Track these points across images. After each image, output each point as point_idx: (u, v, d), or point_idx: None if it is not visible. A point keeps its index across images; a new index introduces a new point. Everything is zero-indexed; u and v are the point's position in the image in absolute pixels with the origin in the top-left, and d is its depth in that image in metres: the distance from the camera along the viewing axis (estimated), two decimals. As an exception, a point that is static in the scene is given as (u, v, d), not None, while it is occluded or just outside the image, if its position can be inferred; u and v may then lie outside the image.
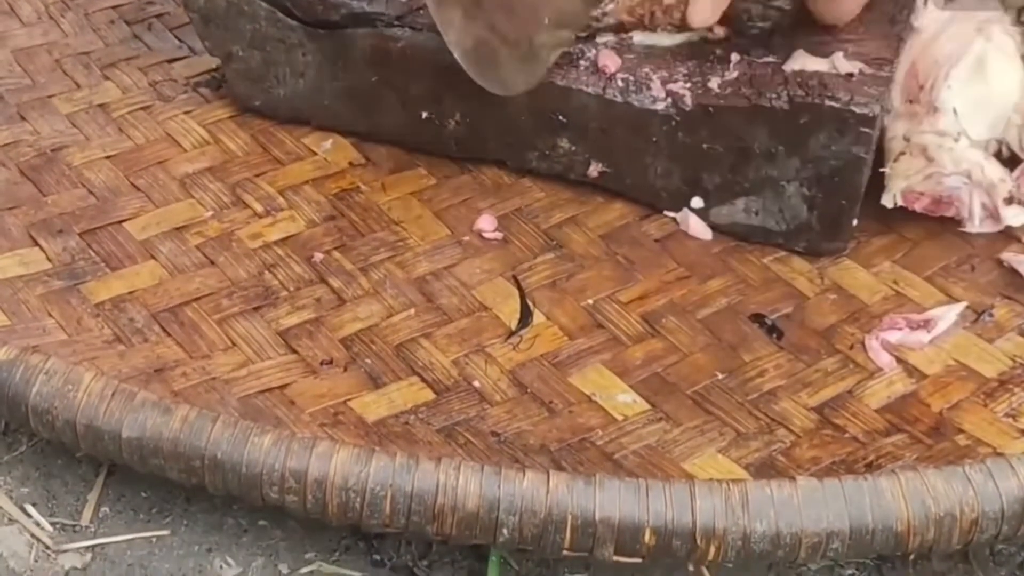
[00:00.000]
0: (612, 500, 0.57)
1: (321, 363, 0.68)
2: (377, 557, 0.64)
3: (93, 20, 0.90)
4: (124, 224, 0.75)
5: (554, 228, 0.76)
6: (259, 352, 0.68)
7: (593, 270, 0.74)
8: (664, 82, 0.73)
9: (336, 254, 0.74)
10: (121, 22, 0.90)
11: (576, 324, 0.70)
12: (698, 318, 0.71)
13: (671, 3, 0.72)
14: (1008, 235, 0.75)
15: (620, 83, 0.73)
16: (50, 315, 0.69)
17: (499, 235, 0.75)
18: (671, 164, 0.74)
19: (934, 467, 0.59)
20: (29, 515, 0.66)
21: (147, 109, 0.83)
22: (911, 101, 0.73)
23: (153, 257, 0.73)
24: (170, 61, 0.87)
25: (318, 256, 0.74)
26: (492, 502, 0.58)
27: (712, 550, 0.57)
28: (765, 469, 0.63)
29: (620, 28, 0.74)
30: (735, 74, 0.72)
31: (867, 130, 0.69)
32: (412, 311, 0.71)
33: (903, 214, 0.74)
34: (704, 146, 0.73)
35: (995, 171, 0.73)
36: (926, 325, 0.70)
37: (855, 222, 0.73)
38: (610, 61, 0.73)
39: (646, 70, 0.73)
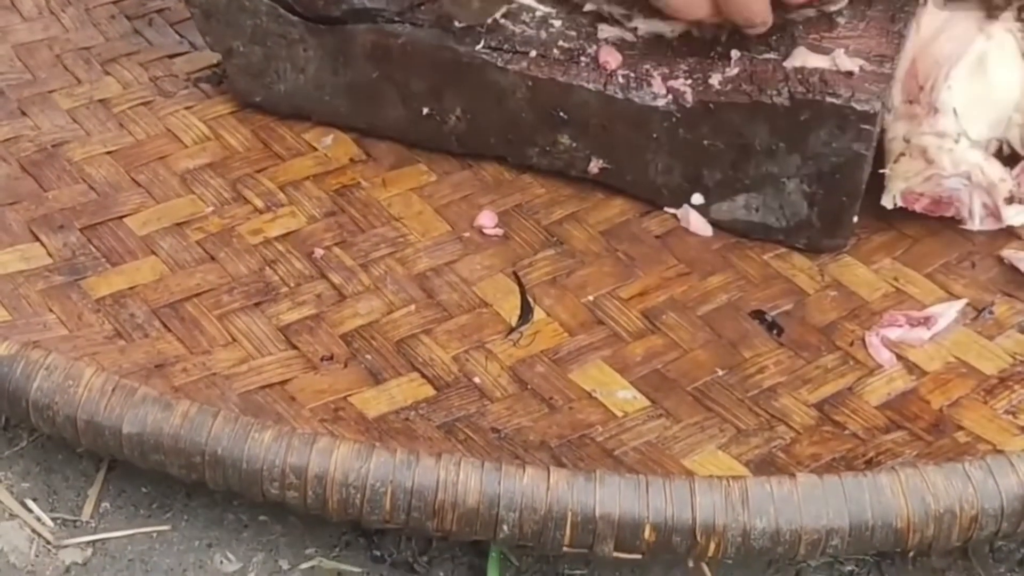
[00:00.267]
0: (612, 496, 0.57)
1: (322, 359, 0.68)
2: (377, 553, 0.64)
3: (94, 15, 0.90)
4: (125, 220, 0.75)
5: (555, 224, 0.76)
6: (259, 348, 0.68)
7: (593, 266, 0.74)
8: (665, 78, 0.73)
9: (337, 250, 0.74)
10: (122, 17, 0.90)
11: (576, 320, 0.71)
12: (698, 314, 0.71)
13: None
14: (1009, 232, 0.75)
15: (621, 79, 0.73)
16: (51, 310, 0.69)
17: (499, 231, 0.75)
18: (672, 160, 0.74)
19: (934, 464, 0.59)
20: (30, 510, 0.66)
21: (148, 104, 0.83)
22: (911, 102, 0.73)
23: (154, 253, 0.73)
24: (171, 56, 0.87)
25: (319, 252, 0.74)
26: (492, 498, 0.58)
27: (712, 546, 0.57)
28: (765, 466, 0.63)
29: None
30: (736, 71, 0.72)
31: (868, 127, 0.69)
32: (412, 307, 0.71)
33: (903, 211, 0.74)
34: (705, 143, 0.73)
35: (995, 171, 0.73)
36: (926, 322, 0.70)
37: (855, 219, 0.73)
38: (611, 57, 0.73)
39: (647, 66, 0.73)
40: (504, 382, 0.67)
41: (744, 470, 0.63)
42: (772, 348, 0.69)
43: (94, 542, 0.65)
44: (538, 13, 0.76)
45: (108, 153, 0.79)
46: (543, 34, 0.75)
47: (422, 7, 0.75)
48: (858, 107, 0.69)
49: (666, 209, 0.76)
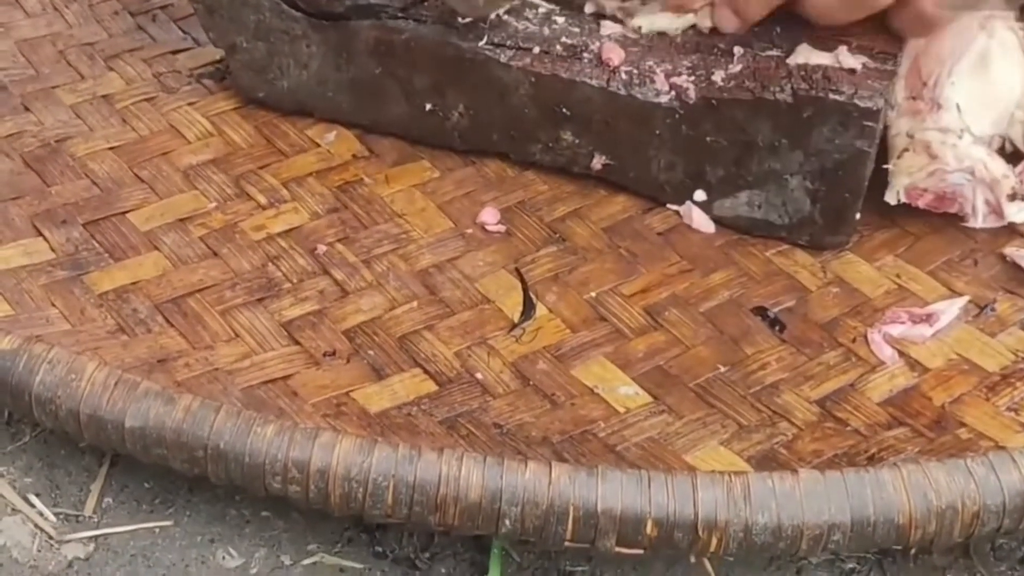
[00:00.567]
0: (614, 492, 0.57)
1: (324, 354, 0.68)
2: (379, 549, 0.65)
3: (97, 11, 0.90)
4: (128, 215, 0.75)
5: (557, 221, 0.76)
6: (262, 343, 0.68)
7: (596, 263, 0.74)
8: (668, 75, 0.73)
9: (339, 246, 0.74)
10: (125, 13, 0.90)
11: (579, 317, 0.71)
12: (700, 311, 0.71)
13: None
14: (1011, 229, 0.75)
15: (624, 76, 0.73)
16: (53, 305, 0.69)
17: (502, 228, 0.75)
18: (674, 157, 0.74)
19: (936, 460, 0.59)
20: (32, 505, 0.66)
21: (151, 100, 0.83)
22: (914, 98, 0.73)
23: (156, 248, 0.73)
24: (174, 52, 0.87)
25: (321, 248, 0.74)
26: (494, 493, 0.58)
27: (714, 542, 0.58)
28: (767, 462, 0.63)
29: None
30: (739, 67, 0.72)
31: (871, 124, 0.69)
32: (415, 303, 0.71)
33: (906, 208, 0.74)
34: (707, 139, 0.73)
35: (998, 167, 0.73)
36: (928, 319, 0.70)
37: (858, 216, 0.73)
38: (614, 54, 0.73)
39: (650, 63, 0.73)
40: (506, 378, 0.67)
41: (746, 466, 0.63)
42: (774, 344, 0.69)
43: (96, 537, 0.65)
44: (541, 10, 0.76)
45: (111, 149, 0.79)
46: (546, 30, 0.75)
47: (425, 3, 0.75)
48: (861, 104, 0.69)
49: (669, 206, 0.76)
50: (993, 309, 0.71)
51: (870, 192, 0.72)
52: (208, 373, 0.66)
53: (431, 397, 0.66)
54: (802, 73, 0.70)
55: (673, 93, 0.72)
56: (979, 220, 0.74)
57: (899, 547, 0.62)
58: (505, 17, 0.75)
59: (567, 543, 0.58)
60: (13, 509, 0.66)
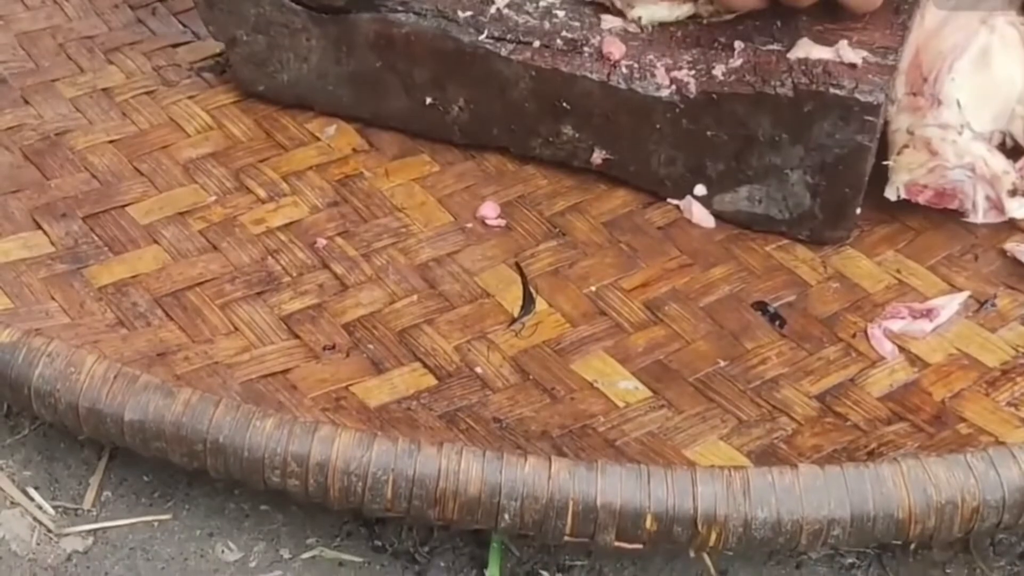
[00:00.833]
0: (614, 486, 0.57)
1: (323, 348, 0.68)
2: (378, 543, 0.64)
3: (97, 4, 0.90)
4: (127, 208, 0.75)
5: (557, 215, 0.76)
6: (261, 337, 0.68)
7: (596, 257, 0.74)
8: (668, 69, 0.73)
9: (339, 240, 0.74)
10: (125, 6, 0.90)
11: (578, 311, 0.70)
12: (700, 305, 0.71)
13: None
14: (1011, 225, 0.75)
15: (624, 70, 0.73)
16: (53, 298, 0.69)
17: (502, 222, 0.75)
18: (675, 151, 0.74)
19: (936, 455, 0.59)
20: (31, 498, 0.66)
21: (151, 94, 0.83)
22: (915, 93, 0.73)
23: (156, 242, 0.73)
24: (174, 46, 0.87)
25: (321, 242, 0.74)
26: (494, 487, 0.58)
27: (713, 537, 0.57)
28: (767, 456, 0.63)
29: None
30: (739, 62, 0.72)
31: (871, 118, 0.69)
32: (415, 297, 0.71)
33: (906, 203, 0.74)
34: (708, 133, 0.73)
35: (999, 163, 0.72)
36: (928, 314, 0.70)
37: (859, 211, 0.73)
38: (614, 48, 0.73)
39: (650, 57, 0.73)
40: (506, 372, 0.67)
41: (746, 461, 0.63)
42: (774, 339, 0.69)
43: (95, 531, 0.65)
44: (542, 3, 0.76)
45: (111, 142, 0.79)
46: (547, 24, 0.75)
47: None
48: (862, 98, 0.69)
49: (669, 200, 0.76)
50: (993, 304, 0.71)
51: (870, 187, 0.72)
52: (207, 367, 0.66)
53: (431, 391, 0.66)
54: (803, 67, 0.70)
55: (674, 87, 0.72)
56: (980, 216, 0.74)
57: (899, 542, 0.62)
58: (505, 11, 0.75)
59: (566, 537, 0.58)
60: (12, 502, 0.66)
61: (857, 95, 0.69)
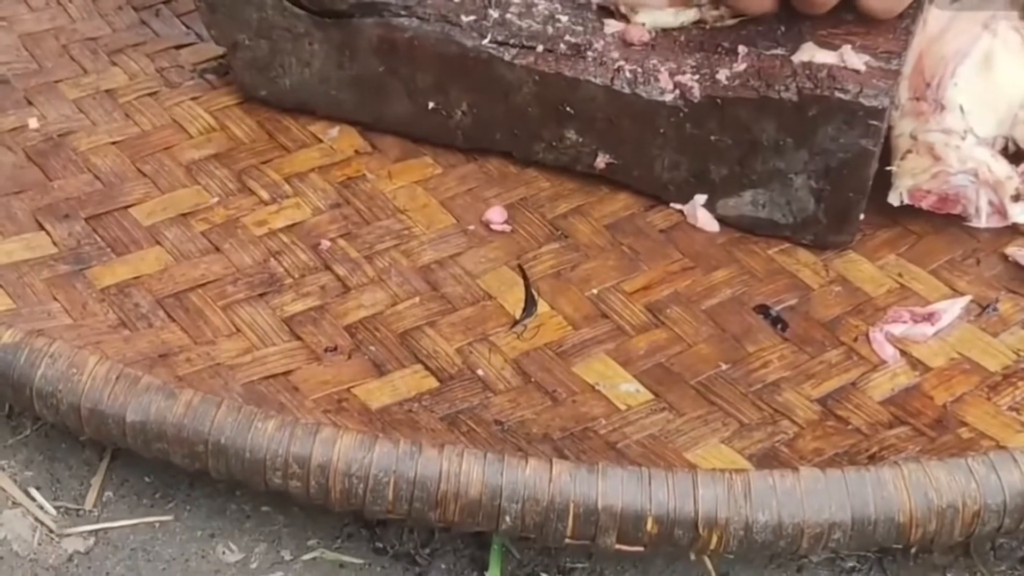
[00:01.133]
0: (615, 488, 0.57)
1: (325, 350, 0.68)
2: (379, 544, 0.65)
3: (100, 6, 0.90)
4: (130, 209, 0.75)
5: (559, 218, 0.76)
6: (263, 338, 0.68)
7: (598, 260, 0.74)
8: (672, 73, 0.73)
9: (341, 242, 0.74)
10: (128, 8, 0.90)
11: (580, 314, 0.71)
12: (702, 309, 0.71)
13: None
14: (1014, 229, 0.75)
15: (628, 74, 0.73)
16: (55, 299, 0.69)
17: (507, 228, 0.75)
18: (678, 156, 0.74)
19: (937, 459, 0.59)
20: (33, 499, 0.66)
21: (154, 95, 0.83)
22: (918, 98, 0.73)
23: (158, 243, 0.73)
24: (177, 47, 0.87)
25: (323, 243, 0.74)
26: (495, 489, 0.58)
27: (714, 540, 0.58)
28: (768, 460, 0.63)
29: None
30: (743, 66, 0.72)
31: (875, 123, 0.69)
32: (417, 299, 0.71)
33: (908, 208, 0.74)
34: (712, 138, 0.73)
35: (1002, 168, 0.72)
36: (930, 318, 0.70)
37: (862, 215, 0.73)
38: (634, 33, 0.73)
39: (654, 61, 0.73)
40: (507, 375, 0.67)
41: (747, 464, 0.63)
42: (776, 343, 0.69)
43: (97, 531, 0.65)
44: (545, 8, 0.76)
45: (114, 143, 0.79)
46: (550, 29, 0.75)
47: (428, 1, 0.75)
48: (866, 103, 0.69)
49: (672, 205, 0.76)
50: (995, 309, 0.71)
51: (872, 191, 0.72)
52: (209, 368, 0.66)
53: (432, 393, 0.66)
54: (807, 72, 0.70)
55: (677, 92, 0.72)
56: (982, 220, 0.74)
57: (899, 546, 0.62)
58: (509, 16, 0.75)
59: (567, 540, 0.58)
60: (14, 502, 0.66)
61: (861, 99, 0.69)
